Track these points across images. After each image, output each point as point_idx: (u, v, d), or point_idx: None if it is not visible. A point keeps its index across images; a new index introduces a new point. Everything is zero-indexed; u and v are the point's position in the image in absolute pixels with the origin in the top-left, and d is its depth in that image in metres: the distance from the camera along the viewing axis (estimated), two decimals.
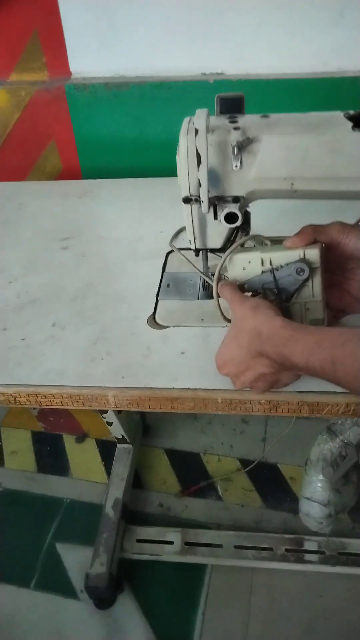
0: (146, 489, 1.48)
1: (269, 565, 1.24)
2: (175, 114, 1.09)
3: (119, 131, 1.14)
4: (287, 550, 1.25)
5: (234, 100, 0.62)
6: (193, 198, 0.62)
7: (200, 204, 0.60)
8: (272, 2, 0.97)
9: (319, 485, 0.81)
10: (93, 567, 1.22)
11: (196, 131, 0.55)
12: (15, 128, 1.16)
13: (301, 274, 0.57)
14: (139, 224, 0.93)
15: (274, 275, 0.58)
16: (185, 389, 0.60)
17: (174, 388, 0.60)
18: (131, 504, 1.42)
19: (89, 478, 1.51)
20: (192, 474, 1.50)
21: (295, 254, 0.58)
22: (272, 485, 1.45)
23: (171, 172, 0.61)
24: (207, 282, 0.77)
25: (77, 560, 1.33)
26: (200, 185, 0.58)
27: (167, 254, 0.84)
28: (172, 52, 1.06)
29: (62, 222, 0.95)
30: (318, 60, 1.03)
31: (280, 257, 0.59)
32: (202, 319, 0.71)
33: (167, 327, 0.70)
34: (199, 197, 0.60)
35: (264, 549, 1.27)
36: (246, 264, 0.61)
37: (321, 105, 1.04)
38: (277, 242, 0.66)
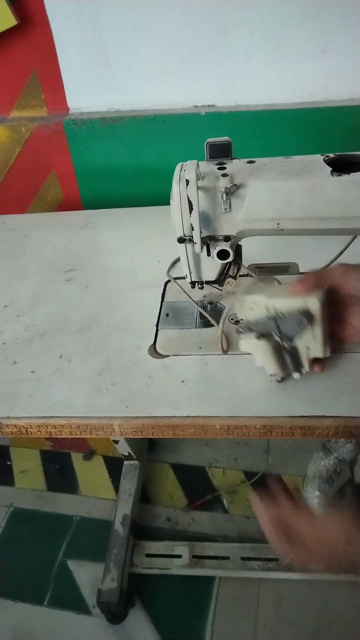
0: (153, 503, 1.52)
1: (275, 576, 1.28)
2: (169, 144, 1.16)
3: (116, 162, 1.19)
4: (292, 560, 1.29)
5: (221, 145, 0.67)
6: (187, 238, 0.66)
7: (194, 244, 0.65)
8: (260, 35, 1.02)
9: (316, 501, 0.85)
10: (105, 583, 1.26)
11: (187, 181, 0.60)
12: (16, 162, 1.21)
13: (301, 324, 0.62)
14: (138, 253, 0.98)
15: (276, 323, 0.63)
16: (185, 416, 0.65)
17: (174, 416, 0.65)
18: (139, 519, 1.46)
19: (97, 495, 1.55)
20: (198, 487, 1.54)
21: (297, 302, 0.63)
22: None
23: (167, 200, 0.66)
24: (204, 310, 0.82)
25: (88, 576, 1.37)
26: (193, 229, 0.63)
27: (166, 283, 0.89)
28: (165, 86, 1.12)
29: (65, 254, 1.00)
30: (304, 91, 1.08)
31: (283, 305, 0.64)
32: (200, 347, 0.75)
33: (168, 356, 0.74)
34: (192, 238, 0.65)
35: (270, 559, 1.30)
36: (253, 306, 0.65)
37: (307, 133, 1.09)
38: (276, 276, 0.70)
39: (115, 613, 1.25)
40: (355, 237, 0.72)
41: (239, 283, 0.86)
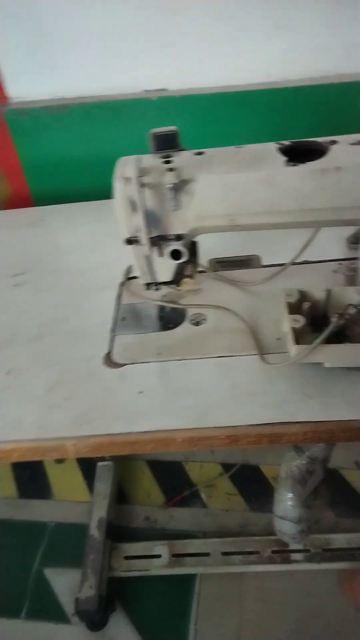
0: (131, 503, 1.49)
1: (256, 569, 1.27)
2: (121, 132, 1.09)
3: (66, 153, 1.12)
4: (273, 552, 1.28)
5: (167, 136, 0.61)
6: (134, 240, 0.61)
7: (142, 246, 0.60)
8: (211, 13, 0.96)
9: (290, 503, 0.83)
10: (82, 591, 1.22)
11: (128, 179, 0.54)
12: None
13: None
14: (93, 252, 0.92)
15: None
16: (144, 432, 0.60)
17: (132, 432, 0.60)
18: (117, 520, 1.43)
19: (72, 498, 1.51)
20: (176, 483, 1.51)
21: None
22: (255, 487, 1.47)
23: None
24: (162, 312, 0.77)
25: (67, 583, 1.33)
26: (139, 229, 0.58)
27: (121, 284, 0.83)
28: (112, 71, 1.04)
29: (13, 256, 0.93)
30: (261, 71, 1.03)
31: None
32: (159, 353, 0.71)
33: (125, 364, 0.70)
34: (140, 239, 0.59)
35: (251, 552, 1.28)
36: None
37: (267, 116, 1.04)
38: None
39: (95, 621, 1.22)
40: (318, 229, 0.68)
41: (199, 280, 0.82)
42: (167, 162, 0.59)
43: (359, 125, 1.02)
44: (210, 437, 0.60)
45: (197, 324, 0.75)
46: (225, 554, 1.30)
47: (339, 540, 1.28)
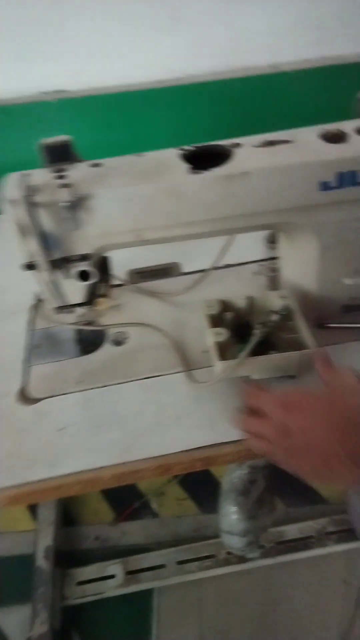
0: (79, 524, 1.42)
1: (214, 573, 1.25)
2: (20, 139, 1.01)
3: None
4: (228, 553, 1.26)
5: (60, 147, 0.55)
6: (33, 264, 0.55)
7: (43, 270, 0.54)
8: (106, 6, 0.90)
9: (234, 517, 0.81)
10: (34, 629, 1.15)
11: (14, 202, 0.48)
12: None
13: None
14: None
15: None
16: (67, 474, 0.55)
17: (54, 477, 0.55)
18: (65, 545, 1.36)
19: (15, 528, 1.42)
20: (124, 497, 1.46)
21: None
22: (205, 488, 1.45)
23: None
24: (81, 335, 0.71)
25: (18, 621, 1.25)
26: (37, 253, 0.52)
27: (34, 306, 0.77)
28: (4, 72, 0.96)
29: None
30: (162, 67, 0.99)
31: None
32: (80, 381, 0.65)
33: (42, 399, 0.64)
34: (39, 263, 0.54)
35: (206, 557, 1.26)
36: None
37: (172, 115, 1.00)
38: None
39: None
40: (233, 235, 0.65)
41: (117, 295, 0.77)
42: (61, 176, 0.54)
43: (266, 119, 1.00)
44: (139, 470, 0.55)
45: (119, 343, 0.70)
46: (180, 562, 1.27)
47: (291, 531, 1.28)
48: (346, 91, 0.76)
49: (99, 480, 0.55)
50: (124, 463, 0.55)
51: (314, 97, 0.99)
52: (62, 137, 0.56)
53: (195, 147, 0.56)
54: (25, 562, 1.32)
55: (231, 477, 0.79)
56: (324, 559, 1.25)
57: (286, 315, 0.61)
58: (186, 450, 0.55)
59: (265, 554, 1.25)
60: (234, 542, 0.85)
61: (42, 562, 1.25)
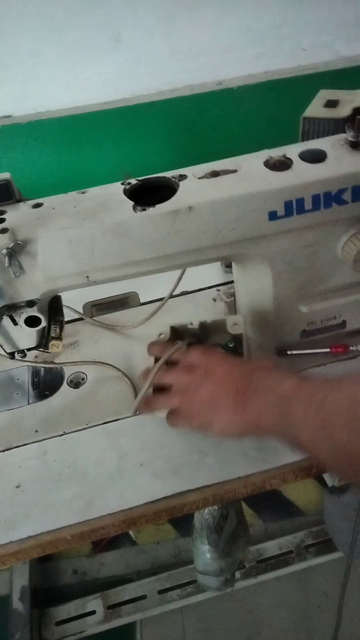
0: (55, 559, 1.37)
1: (195, 599, 1.22)
2: None
3: None
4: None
5: None
6: None
7: None
8: (43, 28, 0.87)
9: (208, 556, 0.78)
10: None
11: None
12: None
13: None
14: None
15: None
16: (25, 538, 0.51)
17: (11, 542, 0.51)
18: (42, 583, 1.31)
19: None
20: None
21: None
22: None
23: None
24: (36, 378, 0.68)
25: None
26: None
27: None
28: None
29: None
30: (108, 88, 0.96)
31: None
32: (37, 430, 0.62)
33: None
34: None
35: (187, 583, 1.24)
36: None
37: (121, 137, 0.98)
38: None
39: None
40: (184, 269, 0.63)
41: (74, 331, 0.74)
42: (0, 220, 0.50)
43: (214, 137, 0.99)
44: (103, 527, 0.52)
45: (76, 385, 0.67)
46: (162, 591, 1.24)
47: (271, 548, 1.27)
48: (291, 105, 0.76)
49: (60, 541, 0.52)
50: (85, 521, 0.52)
51: (260, 113, 0.99)
52: (1, 176, 0.53)
53: (140, 180, 0.54)
54: (1, 603, 1.26)
55: (202, 513, 0.76)
56: (304, 573, 1.24)
57: (237, 343, 0.59)
58: (150, 502, 0.52)
59: (246, 574, 1.24)
60: (210, 582, 0.82)
61: (18, 605, 1.20)
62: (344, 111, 0.67)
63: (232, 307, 0.73)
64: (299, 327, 0.64)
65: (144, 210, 0.50)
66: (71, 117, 0.96)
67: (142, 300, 0.78)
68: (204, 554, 0.78)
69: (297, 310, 0.60)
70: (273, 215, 0.52)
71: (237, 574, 1.21)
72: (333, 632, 0.94)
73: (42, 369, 0.69)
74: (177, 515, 0.54)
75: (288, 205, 0.51)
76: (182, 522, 1.39)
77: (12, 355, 0.62)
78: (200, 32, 0.93)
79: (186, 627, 1.21)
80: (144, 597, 1.23)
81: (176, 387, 0.51)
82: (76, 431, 0.60)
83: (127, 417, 0.61)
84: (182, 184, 0.52)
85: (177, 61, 0.96)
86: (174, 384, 0.52)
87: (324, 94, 0.71)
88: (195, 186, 0.51)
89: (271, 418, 0.44)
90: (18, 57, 0.90)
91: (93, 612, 1.21)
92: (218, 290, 0.77)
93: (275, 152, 0.54)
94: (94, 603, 1.23)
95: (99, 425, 0.61)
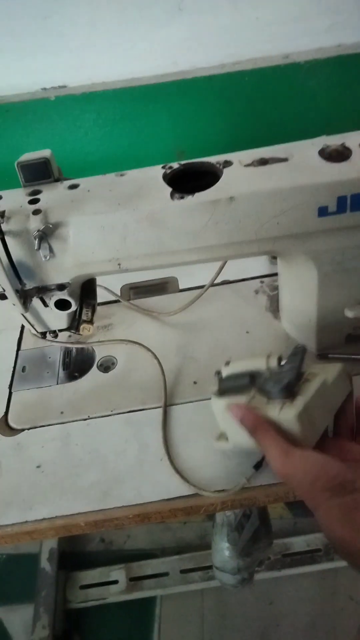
0: None
1: (216, 584, 1.21)
2: (20, 139, 0.97)
3: None
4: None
5: (36, 166, 0.51)
6: (4, 294, 0.51)
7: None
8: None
9: (227, 554, 0.77)
10: (35, 632, 1.15)
11: None
12: None
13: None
14: None
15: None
16: (41, 519, 0.52)
17: (27, 521, 0.51)
18: (70, 547, 1.35)
19: None
20: None
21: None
22: None
23: None
24: (67, 359, 0.68)
25: (21, 621, 1.25)
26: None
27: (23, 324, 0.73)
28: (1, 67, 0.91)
29: None
30: (167, 59, 0.92)
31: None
32: (62, 412, 0.61)
33: (22, 430, 0.60)
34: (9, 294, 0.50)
35: (210, 567, 1.23)
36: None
37: (178, 112, 0.94)
38: None
39: None
40: (225, 262, 0.59)
41: (109, 313, 0.73)
42: (34, 200, 0.49)
43: (277, 116, 0.93)
44: (117, 518, 0.52)
45: (106, 369, 0.66)
46: (184, 571, 1.25)
47: (298, 543, 1.25)
48: None
49: (73, 526, 0.52)
50: (100, 510, 0.51)
51: (329, 91, 0.91)
52: (41, 153, 0.51)
53: (182, 165, 0.51)
54: (30, 561, 1.33)
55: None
56: (330, 573, 1.21)
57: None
58: (166, 500, 0.51)
59: (271, 567, 1.22)
60: (226, 579, 0.81)
61: (46, 565, 1.25)
62: None
63: (275, 302, 0.69)
64: (344, 330, 0.60)
65: (182, 198, 0.47)
66: (126, 89, 0.92)
67: (181, 287, 0.76)
68: (222, 550, 0.76)
69: (342, 313, 0.56)
70: (323, 211, 0.47)
71: (261, 566, 1.20)
72: (355, 635, 0.91)
73: (74, 350, 0.68)
74: (193, 515, 0.52)
75: (341, 201, 0.47)
76: None
77: (43, 335, 0.62)
78: (268, 1, 0.86)
79: (205, 609, 1.22)
80: (166, 574, 1.25)
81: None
82: (101, 417, 0.60)
83: (154, 407, 0.59)
84: (226, 171, 0.48)
85: (242, 32, 0.90)
86: None
87: None
88: (240, 175, 0.48)
89: None
90: (75, 26, 0.87)
91: (116, 582, 1.25)
92: (262, 282, 0.73)
93: (334, 140, 0.49)
94: (118, 573, 1.26)
95: (124, 413, 0.60)
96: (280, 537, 1.25)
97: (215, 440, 0.51)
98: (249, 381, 0.46)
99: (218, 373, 0.50)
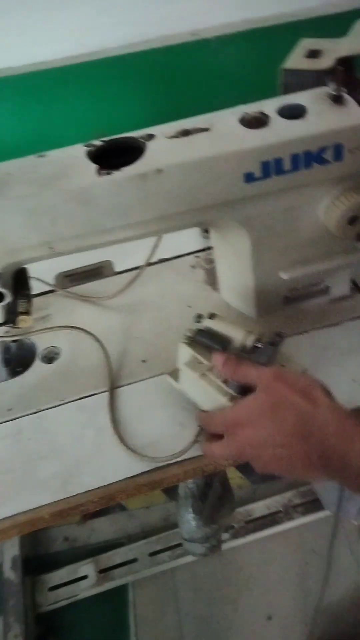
0: (45, 528, 1.38)
1: (185, 560, 1.24)
2: None
3: None
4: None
5: None
6: None
7: None
8: None
9: (194, 523, 0.78)
10: None
11: None
12: None
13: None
14: None
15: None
16: (2, 519, 0.50)
17: None
18: (33, 551, 1.32)
19: None
20: None
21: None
22: None
23: None
24: (7, 355, 0.65)
25: None
26: None
27: None
28: None
29: None
30: (75, 41, 0.89)
31: None
32: (10, 409, 0.59)
33: None
34: None
35: (177, 545, 1.26)
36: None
37: (87, 92, 0.92)
38: None
39: None
40: (160, 236, 0.59)
41: (46, 303, 0.71)
42: None
43: (189, 94, 0.94)
44: (82, 504, 0.51)
45: (50, 360, 0.64)
46: (153, 554, 1.26)
47: (259, 508, 1.29)
48: (272, 57, 0.70)
49: (38, 520, 0.51)
50: (64, 499, 0.51)
51: (239, 65, 0.93)
52: None
53: (104, 141, 0.50)
54: None
55: (186, 483, 0.76)
56: (293, 531, 1.26)
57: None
58: (129, 478, 0.51)
59: (236, 535, 1.26)
60: (196, 549, 0.83)
61: (10, 574, 1.21)
62: (326, 62, 0.63)
63: (212, 274, 0.70)
64: (280, 293, 0.62)
65: (109, 174, 0.46)
66: (35, 73, 0.89)
67: (117, 269, 0.75)
68: (189, 522, 0.78)
69: (278, 276, 0.58)
70: (249, 177, 0.48)
71: (226, 535, 1.24)
72: (320, 588, 0.97)
73: (13, 345, 0.66)
74: (158, 488, 0.53)
75: (265, 166, 0.48)
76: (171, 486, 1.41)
77: None
78: None
79: (177, 587, 1.24)
80: (135, 560, 1.25)
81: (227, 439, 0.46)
82: (51, 408, 0.59)
83: (104, 391, 0.59)
84: (149, 144, 0.48)
85: (149, 9, 0.90)
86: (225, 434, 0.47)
87: (305, 44, 0.66)
88: (164, 147, 0.48)
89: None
90: None
91: (85, 577, 1.24)
92: (197, 256, 0.74)
93: (252, 108, 0.51)
94: (86, 568, 1.25)
95: (75, 400, 0.59)
96: (242, 506, 1.29)
97: (168, 375, 0.55)
98: (221, 347, 0.48)
99: (199, 317, 0.51)
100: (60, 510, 0.51)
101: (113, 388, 0.58)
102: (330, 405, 0.42)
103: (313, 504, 1.27)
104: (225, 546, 1.25)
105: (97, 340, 0.63)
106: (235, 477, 1.36)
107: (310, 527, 1.26)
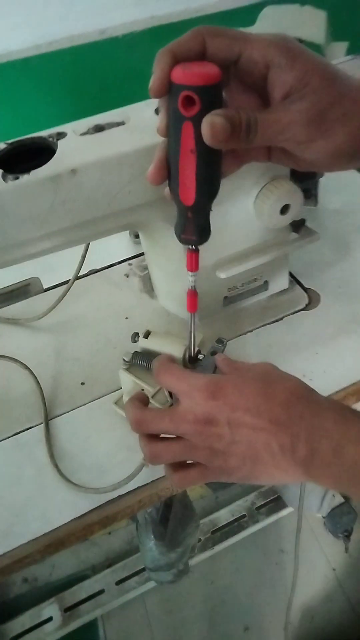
0: None
1: (154, 584, 1.18)
2: None
3: None
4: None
5: None
6: None
7: None
8: None
9: (156, 551, 0.73)
10: None
11: None
12: None
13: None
14: None
15: None
16: None
17: None
18: None
19: None
20: None
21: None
22: None
23: None
24: None
25: None
26: None
27: None
28: None
29: None
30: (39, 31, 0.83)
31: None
32: None
33: None
34: None
35: (144, 569, 1.20)
36: None
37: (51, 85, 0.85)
38: None
39: None
40: (88, 243, 0.54)
41: None
42: None
43: (100, 95, 0.90)
44: (26, 556, 0.45)
45: None
46: (119, 582, 1.19)
47: (224, 516, 1.26)
48: None
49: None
50: (6, 553, 0.44)
51: (149, 62, 0.90)
52: None
53: (9, 143, 0.44)
54: None
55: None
56: (259, 534, 1.24)
57: None
58: (78, 518, 0.46)
59: (203, 548, 1.22)
60: (162, 577, 0.78)
61: None
62: None
63: (147, 281, 0.66)
64: (220, 293, 0.59)
65: (17, 179, 0.40)
66: None
67: (45, 286, 0.69)
68: (151, 549, 0.73)
69: (215, 276, 0.54)
70: None
71: (192, 554, 1.19)
72: (291, 583, 0.95)
73: None
74: (112, 524, 0.47)
75: None
76: None
77: None
78: None
79: (149, 612, 1.18)
80: (101, 591, 1.18)
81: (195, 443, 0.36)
82: None
83: (40, 423, 0.53)
84: (60, 143, 0.43)
85: (52, 8, 0.84)
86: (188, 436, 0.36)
87: None
88: (77, 145, 0.43)
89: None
90: None
91: (50, 619, 1.15)
92: (130, 264, 0.69)
93: None
94: (50, 609, 1.16)
95: (9, 437, 0.52)
96: (205, 516, 1.25)
97: (113, 402, 0.52)
98: None
99: (136, 337, 0.47)
100: (2, 567, 0.44)
101: (49, 419, 0.52)
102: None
103: (276, 503, 1.25)
104: (194, 561, 1.20)
105: (26, 367, 0.56)
106: (195, 488, 1.32)
107: (276, 526, 1.25)
